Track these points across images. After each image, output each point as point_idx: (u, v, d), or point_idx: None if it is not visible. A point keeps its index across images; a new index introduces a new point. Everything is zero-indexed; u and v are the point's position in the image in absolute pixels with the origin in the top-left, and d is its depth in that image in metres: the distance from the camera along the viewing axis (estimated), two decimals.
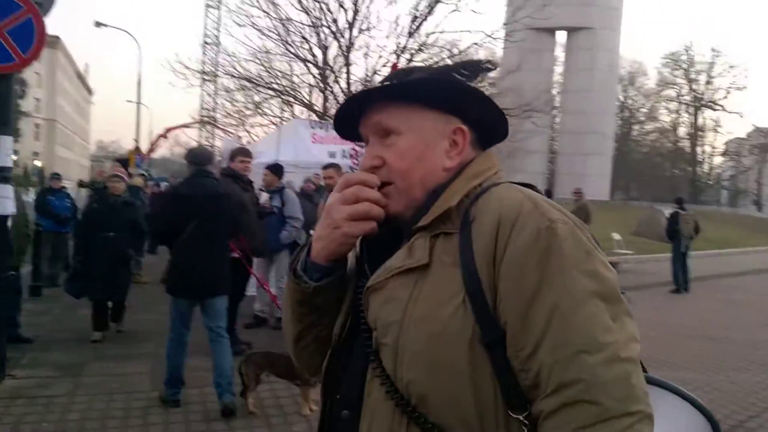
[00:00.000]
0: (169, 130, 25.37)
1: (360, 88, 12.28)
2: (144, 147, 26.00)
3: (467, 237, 0.93)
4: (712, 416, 0.95)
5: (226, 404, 4.11)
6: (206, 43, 23.07)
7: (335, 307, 1.08)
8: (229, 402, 4.12)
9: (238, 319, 5.98)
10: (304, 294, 1.06)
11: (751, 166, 49.74)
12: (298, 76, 13.97)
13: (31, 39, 4.54)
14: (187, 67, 15.19)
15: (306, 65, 13.28)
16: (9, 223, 4.73)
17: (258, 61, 13.61)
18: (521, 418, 0.87)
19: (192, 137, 25.69)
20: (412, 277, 0.95)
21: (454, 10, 12.19)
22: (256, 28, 12.82)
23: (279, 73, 13.70)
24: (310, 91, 14.36)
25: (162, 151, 50.74)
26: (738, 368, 6.11)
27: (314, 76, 13.44)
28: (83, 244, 6.04)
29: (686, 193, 34.49)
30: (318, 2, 11.92)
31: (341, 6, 12.10)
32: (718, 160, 54.37)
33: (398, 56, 12.22)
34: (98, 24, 27.58)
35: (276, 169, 6.51)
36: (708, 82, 49.68)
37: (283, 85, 13.73)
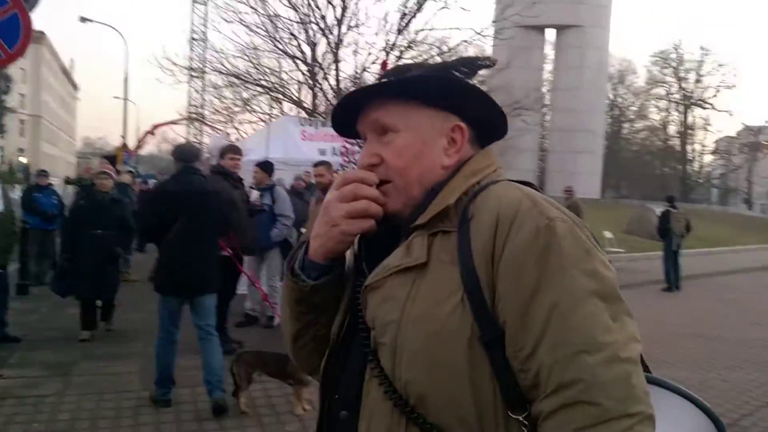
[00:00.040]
0: (156, 126, 25.14)
1: (349, 85, 12.28)
2: (131, 144, 25.76)
3: (465, 235, 0.92)
4: (716, 417, 0.94)
5: (216, 401, 4.09)
6: (193, 39, 22.88)
7: (333, 305, 1.07)
8: (220, 399, 4.09)
9: (229, 318, 5.95)
10: (302, 293, 1.05)
11: (741, 165, 50.02)
12: (286, 73, 13.95)
13: (17, 34, 4.48)
14: (175, 64, 15.14)
15: (295, 62, 13.25)
16: None
17: (246, 57, 13.57)
18: (521, 419, 0.87)
19: (180, 134, 25.48)
20: (411, 275, 0.94)
21: (443, 8, 12.22)
22: (243, 25, 12.78)
23: (267, 70, 13.68)
24: (299, 88, 14.34)
25: (149, 148, 50.38)
26: (730, 366, 6.12)
27: (303, 73, 13.41)
28: (70, 242, 5.98)
29: (677, 191, 34.63)
30: None
31: (330, 2, 12.08)
32: (708, 158, 54.72)
33: (387, 53, 12.22)
34: (83, 19, 27.17)
35: (266, 167, 6.48)
36: (697, 81, 49.87)
37: (271, 82, 13.69)
